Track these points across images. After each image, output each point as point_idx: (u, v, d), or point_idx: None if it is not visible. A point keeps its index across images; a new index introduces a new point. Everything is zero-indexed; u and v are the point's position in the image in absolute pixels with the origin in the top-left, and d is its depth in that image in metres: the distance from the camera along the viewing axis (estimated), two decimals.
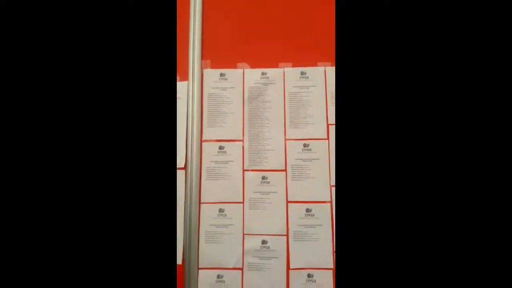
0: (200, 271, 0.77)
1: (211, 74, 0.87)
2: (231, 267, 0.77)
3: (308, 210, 0.79)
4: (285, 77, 0.86)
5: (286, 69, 0.87)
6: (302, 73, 0.86)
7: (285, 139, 0.83)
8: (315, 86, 0.85)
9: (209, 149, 0.83)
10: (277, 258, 0.77)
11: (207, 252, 0.78)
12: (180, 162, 0.81)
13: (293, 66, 0.87)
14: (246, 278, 0.76)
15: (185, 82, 0.86)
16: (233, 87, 0.86)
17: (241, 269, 0.77)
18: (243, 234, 0.78)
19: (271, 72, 0.87)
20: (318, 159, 0.82)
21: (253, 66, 0.87)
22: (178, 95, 0.85)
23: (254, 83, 0.87)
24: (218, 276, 0.77)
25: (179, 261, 0.77)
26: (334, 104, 0.84)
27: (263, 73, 0.87)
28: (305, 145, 0.82)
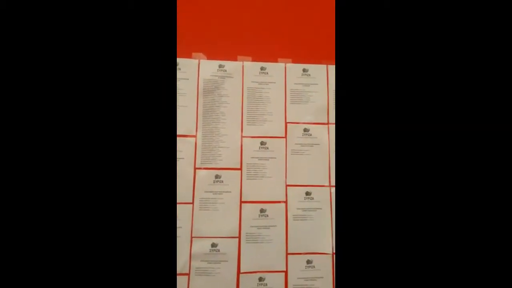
0: None
1: None
2: (177, 272, 0.72)
3: (262, 210, 0.76)
4: (243, 71, 0.82)
5: (245, 63, 0.83)
6: (261, 68, 0.83)
7: (242, 136, 0.79)
8: (274, 82, 0.83)
9: None
10: (227, 261, 0.73)
11: None
12: None
13: (253, 60, 0.83)
14: (192, 284, 0.71)
15: None
16: (187, 79, 0.80)
17: (188, 274, 0.72)
18: (191, 237, 0.73)
19: (229, 65, 0.82)
20: (275, 158, 0.79)
21: (210, 57, 0.82)
22: None
23: (210, 76, 0.81)
24: None
25: None
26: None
27: (220, 66, 0.82)
28: (262, 143, 0.79)
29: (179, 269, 0.72)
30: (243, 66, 0.83)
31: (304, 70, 0.84)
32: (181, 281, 0.71)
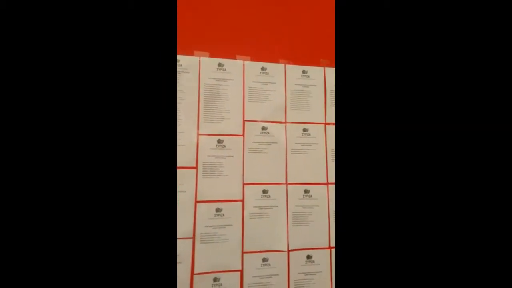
0: None
1: None
2: None
3: (218, 209, 0.75)
4: (200, 67, 0.80)
5: (202, 58, 0.81)
6: (219, 64, 0.81)
7: (198, 134, 0.77)
8: (232, 80, 0.82)
9: None
10: (180, 263, 0.71)
11: None
12: None
13: (210, 56, 0.81)
14: None
15: None
16: None
17: None
18: None
19: (184, 59, 0.79)
20: (232, 156, 0.78)
21: None
22: None
23: None
24: None
25: None
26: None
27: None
28: (219, 141, 0.78)
29: None
30: (199, 61, 0.80)
31: (262, 68, 0.84)
32: None
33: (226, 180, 0.77)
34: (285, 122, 0.83)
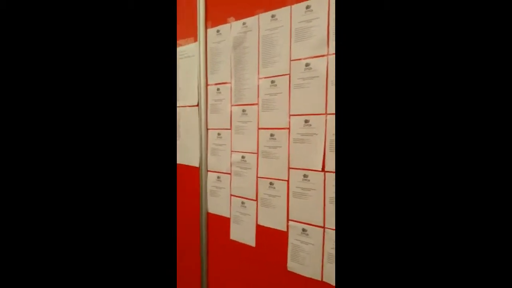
0: (208, 173, 1.15)
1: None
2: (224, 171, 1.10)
3: (271, 135, 0.96)
4: (259, 23, 0.98)
5: (261, 15, 0.97)
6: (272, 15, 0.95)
7: (258, 78, 0.99)
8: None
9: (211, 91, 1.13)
10: (250, 169, 1.03)
11: (211, 162, 1.15)
12: (194, 101, 1.18)
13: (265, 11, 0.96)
14: (234, 180, 1.07)
15: (195, 43, 1.16)
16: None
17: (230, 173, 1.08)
18: (231, 151, 1.08)
19: (249, 21, 1.01)
20: (281, 93, 0.93)
21: (237, 18, 1.04)
22: (191, 54, 1.18)
23: (237, 33, 1.04)
24: (218, 177, 1.13)
25: (197, 164, 1.18)
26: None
27: (243, 23, 1.02)
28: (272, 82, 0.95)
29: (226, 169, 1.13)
30: (258, 18, 0.99)
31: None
32: (227, 177, 1.12)
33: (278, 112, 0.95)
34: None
